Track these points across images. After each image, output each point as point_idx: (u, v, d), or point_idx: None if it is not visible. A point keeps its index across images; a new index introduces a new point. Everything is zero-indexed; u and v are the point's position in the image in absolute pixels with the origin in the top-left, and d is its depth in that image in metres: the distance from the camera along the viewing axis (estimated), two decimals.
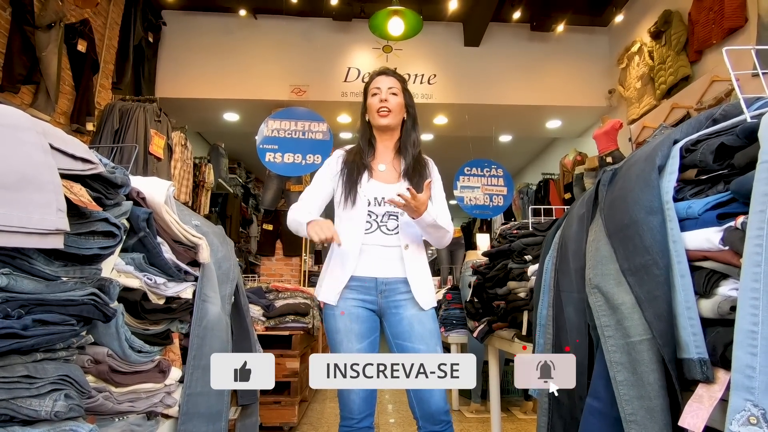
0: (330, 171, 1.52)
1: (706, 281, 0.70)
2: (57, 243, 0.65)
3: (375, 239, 1.42)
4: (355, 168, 1.48)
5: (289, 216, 1.47)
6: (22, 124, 0.67)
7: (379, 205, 1.43)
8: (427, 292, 1.41)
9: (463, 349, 3.63)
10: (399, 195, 1.31)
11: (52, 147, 0.70)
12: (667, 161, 0.80)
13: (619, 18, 4.80)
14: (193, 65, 4.89)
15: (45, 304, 0.67)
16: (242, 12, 4.84)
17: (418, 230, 1.43)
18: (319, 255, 6.25)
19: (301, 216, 1.41)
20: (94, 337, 0.85)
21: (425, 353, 1.35)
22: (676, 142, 0.83)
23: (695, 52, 3.76)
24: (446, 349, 4.03)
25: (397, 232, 1.43)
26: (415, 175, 1.48)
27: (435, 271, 6.82)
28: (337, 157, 1.55)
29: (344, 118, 5.31)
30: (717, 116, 0.83)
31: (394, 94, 1.49)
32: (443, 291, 3.61)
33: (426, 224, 1.38)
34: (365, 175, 1.47)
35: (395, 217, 1.43)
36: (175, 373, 1.08)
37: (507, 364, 3.48)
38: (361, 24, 4.89)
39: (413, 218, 1.36)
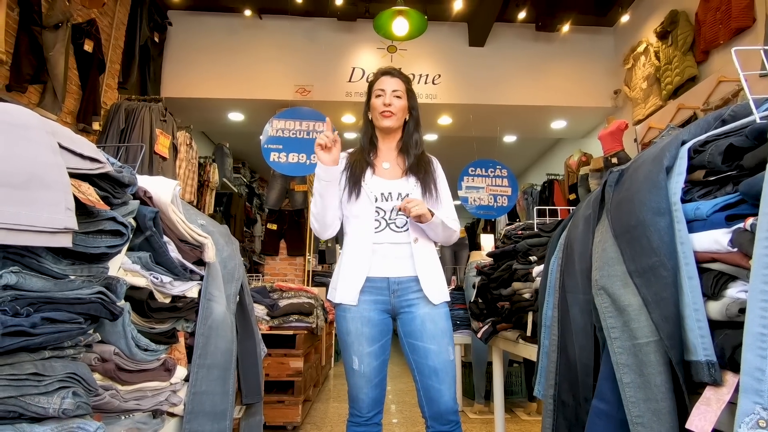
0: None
1: (714, 283, 0.69)
2: (66, 242, 0.65)
3: (385, 237, 1.41)
4: (358, 165, 1.48)
5: (311, 217, 1.47)
6: (31, 124, 0.68)
7: (386, 200, 1.43)
8: (437, 286, 1.40)
9: (467, 349, 3.62)
10: (400, 208, 1.35)
11: (60, 146, 0.70)
12: (674, 162, 0.80)
13: (624, 18, 4.77)
14: (199, 65, 4.92)
15: (53, 302, 0.67)
16: (247, 12, 4.85)
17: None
18: (323, 255, 6.25)
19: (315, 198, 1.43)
20: (101, 336, 0.85)
21: (436, 353, 1.34)
22: (684, 143, 0.82)
23: (702, 53, 3.74)
24: None
25: (407, 229, 1.42)
26: (420, 171, 1.48)
27: None
28: (341, 158, 1.55)
29: (349, 118, 5.32)
30: (726, 117, 0.82)
31: (398, 96, 1.49)
32: None
33: (436, 225, 1.39)
34: (368, 172, 1.47)
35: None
36: (181, 371, 1.09)
37: (511, 365, 3.48)
38: (365, 24, 4.89)
39: (421, 223, 1.36)
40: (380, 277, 1.40)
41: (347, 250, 1.45)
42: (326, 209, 1.42)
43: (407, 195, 1.43)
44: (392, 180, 1.47)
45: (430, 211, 1.37)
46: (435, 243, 1.51)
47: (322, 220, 1.44)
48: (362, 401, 1.38)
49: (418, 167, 1.48)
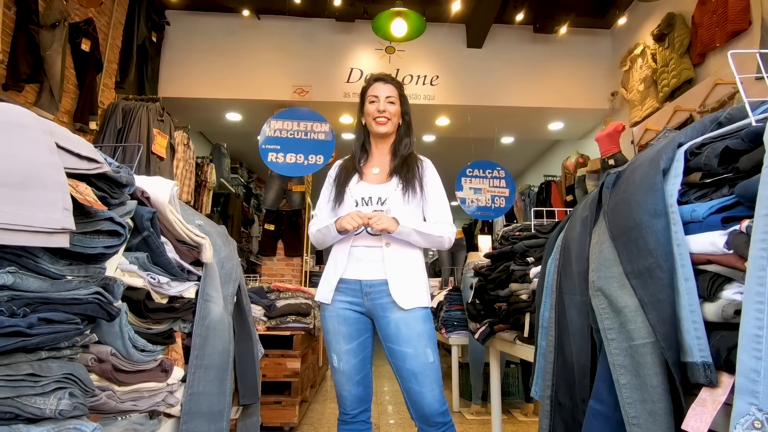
0: (330, 180, 1.58)
1: (710, 285, 0.69)
2: (63, 242, 0.65)
3: (362, 241, 1.44)
4: (345, 172, 1.53)
5: (312, 234, 1.51)
6: (28, 123, 0.68)
7: (366, 204, 1.46)
8: (408, 292, 1.38)
9: (464, 350, 3.62)
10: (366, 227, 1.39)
11: (58, 146, 0.70)
12: (671, 164, 0.80)
13: (622, 20, 4.80)
14: (196, 65, 4.91)
15: (50, 302, 0.67)
16: (245, 12, 4.85)
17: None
18: (321, 255, 6.25)
19: (323, 222, 1.47)
20: (97, 336, 0.85)
21: (413, 356, 1.35)
22: (680, 145, 0.83)
23: (698, 55, 3.76)
24: (447, 350, 4.02)
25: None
26: (403, 169, 1.50)
27: (436, 272, 6.81)
28: (336, 166, 1.61)
29: (346, 119, 5.32)
30: (722, 120, 0.83)
31: (391, 102, 1.52)
32: (444, 292, 3.61)
33: (408, 234, 1.40)
34: (355, 178, 1.51)
35: None
36: (178, 372, 1.08)
37: (508, 366, 3.48)
38: (364, 25, 4.90)
39: (389, 233, 1.38)
40: (353, 279, 1.43)
41: (331, 253, 1.51)
42: (327, 243, 1.51)
43: (386, 199, 1.45)
44: (377, 185, 1.49)
45: (397, 221, 1.37)
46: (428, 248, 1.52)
47: (322, 245, 1.54)
48: (345, 398, 1.42)
49: (401, 166, 1.50)
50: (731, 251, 0.66)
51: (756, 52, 0.86)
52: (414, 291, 1.39)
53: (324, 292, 1.46)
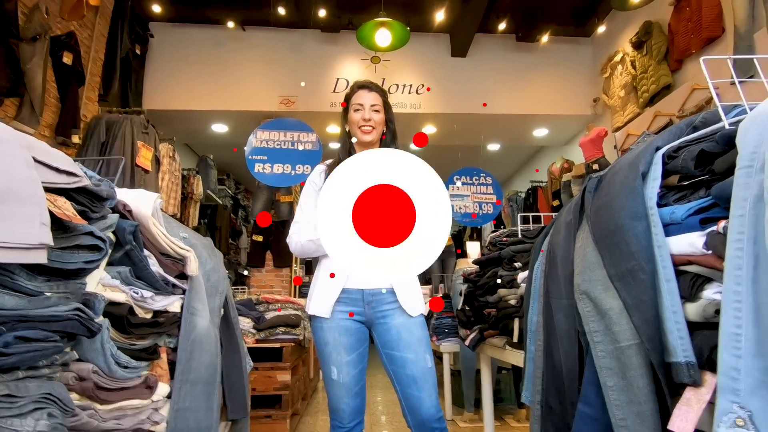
0: (315, 186, 1.52)
1: (691, 285, 0.71)
2: (40, 257, 0.64)
3: None
4: None
5: (295, 243, 1.45)
6: (4, 137, 0.67)
7: None
8: (413, 298, 1.41)
9: (456, 357, 3.61)
10: None
11: (35, 160, 0.69)
12: (650, 168, 0.82)
13: (601, 29, 4.91)
14: (181, 77, 4.89)
15: (27, 320, 0.65)
16: (230, 24, 4.85)
17: None
18: (310, 265, 6.21)
19: (315, 234, 1.41)
20: (78, 354, 0.83)
21: (413, 361, 1.35)
22: (658, 149, 0.84)
23: (675, 62, 3.86)
24: (438, 358, 4.01)
25: None
26: None
27: (426, 279, 6.80)
28: (319, 172, 1.56)
29: (333, 129, 5.33)
30: (697, 123, 0.85)
31: (376, 111, 1.51)
32: None
33: None
34: None
35: None
36: (163, 388, 1.06)
37: (499, 372, 3.48)
38: (349, 35, 4.94)
39: None
40: (355, 289, 1.41)
41: (325, 263, 1.46)
42: (320, 254, 1.47)
43: None
44: None
45: None
46: None
47: (310, 255, 1.48)
48: (343, 411, 1.38)
49: None
50: (710, 251, 0.67)
51: (727, 58, 0.89)
52: (418, 298, 1.43)
53: (322, 306, 1.39)
